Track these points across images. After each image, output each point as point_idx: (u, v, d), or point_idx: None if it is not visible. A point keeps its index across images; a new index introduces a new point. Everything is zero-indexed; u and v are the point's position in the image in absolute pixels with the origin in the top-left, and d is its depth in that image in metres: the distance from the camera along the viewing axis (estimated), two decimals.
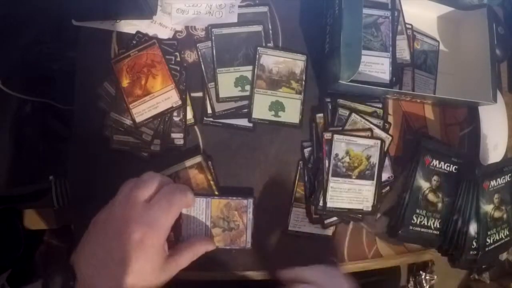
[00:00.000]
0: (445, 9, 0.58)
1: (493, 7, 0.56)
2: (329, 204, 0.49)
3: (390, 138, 0.53)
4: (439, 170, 0.53)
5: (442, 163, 0.53)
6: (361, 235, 0.54)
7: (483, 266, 1.22)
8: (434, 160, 0.53)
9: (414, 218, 0.52)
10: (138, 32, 0.50)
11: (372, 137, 0.51)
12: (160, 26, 0.51)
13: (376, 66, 0.51)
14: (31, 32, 0.64)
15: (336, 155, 0.50)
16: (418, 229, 0.52)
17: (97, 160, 0.49)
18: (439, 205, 0.53)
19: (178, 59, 0.50)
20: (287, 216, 0.51)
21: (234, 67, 0.51)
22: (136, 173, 0.41)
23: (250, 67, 0.51)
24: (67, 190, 0.70)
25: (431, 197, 0.53)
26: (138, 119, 0.49)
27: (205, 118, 0.51)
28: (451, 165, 0.54)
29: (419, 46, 0.57)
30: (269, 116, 0.51)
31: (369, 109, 0.53)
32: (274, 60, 0.51)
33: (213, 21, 0.51)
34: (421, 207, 0.52)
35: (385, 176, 0.53)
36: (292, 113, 0.52)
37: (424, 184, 0.53)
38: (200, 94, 0.51)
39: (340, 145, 0.50)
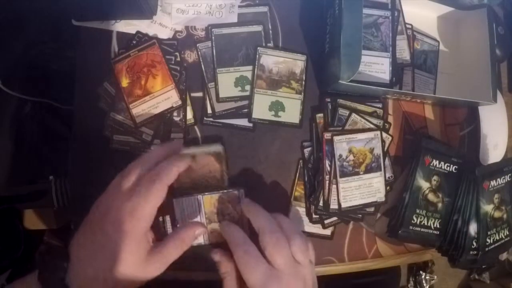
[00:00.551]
0: (445, 9, 0.58)
1: (493, 7, 0.56)
2: (343, 205, 0.50)
3: (390, 138, 0.53)
4: (439, 170, 0.53)
5: (442, 163, 0.53)
6: (361, 235, 0.54)
7: (483, 266, 1.22)
8: (434, 160, 0.53)
9: (414, 218, 0.52)
10: (138, 32, 0.50)
11: (371, 129, 0.51)
12: (160, 26, 0.51)
13: (376, 66, 0.51)
14: (31, 32, 0.64)
15: (340, 156, 0.50)
16: (418, 229, 0.52)
17: (97, 160, 0.49)
18: (439, 205, 0.53)
19: (178, 59, 0.50)
20: (286, 215, 0.51)
21: (234, 67, 0.51)
22: None
23: (250, 67, 0.51)
24: (67, 190, 0.70)
25: (431, 197, 0.53)
26: (138, 119, 0.49)
27: (205, 118, 0.51)
28: (451, 165, 0.54)
29: (419, 46, 0.57)
30: (269, 116, 0.51)
31: (369, 109, 0.53)
32: (274, 60, 0.51)
33: (213, 21, 0.51)
34: (421, 207, 0.52)
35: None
36: (292, 113, 0.52)
37: (424, 184, 0.53)
38: (200, 94, 0.51)
39: (342, 145, 0.50)
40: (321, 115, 0.52)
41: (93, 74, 0.50)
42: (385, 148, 0.52)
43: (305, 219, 0.52)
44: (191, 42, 0.52)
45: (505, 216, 0.55)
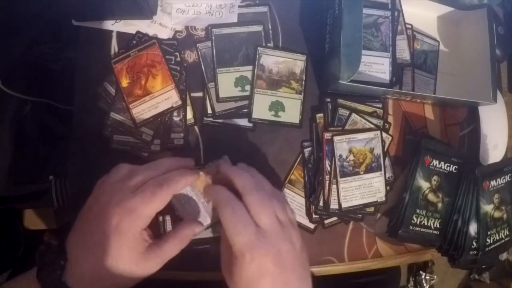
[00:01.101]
0: (445, 9, 0.58)
1: (493, 7, 0.56)
2: (343, 205, 0.50)
3: (390, 138, 0.53)
4: (439, 170, 0.53)
5: (442, 163, 0.53)
6: (361, 235, 0.54)
7: (483, 266, 1.22)
8: (434, 160, 0.53)
9: (414, 218, 0.52)
10: (138, 32, 0.50)
11: (371, 129, 0.51)
12: (160, 26, 0.51)
13: (376, 66, 0.51)
14: (31, 32, 0.64)
15: (340, 156, 0.50)
16: (418, 229, 0.52)
17: (97, 160, 0.49)
18: (439, 205, 0.53)
19: (178, 59, 0.50)
20: None
21: (234, 67, 0.51)
22: None
23: (250, 67, 0.51)
24: (67, 190, 0.70)
25: (431, 197, 0.53)
26: (138, 119, 0.49)
27: (205, 118, 0.51)
28: (451, 165, 0.54)
29: (419, 46, 0.57)
30: (269, 116, 0.51)
31: (369, 109, 0.53)
32: (274, 60, 0.51)
33: (213, 21, 0.51)
34: (421, 207, 0.52)
35: None
36: (292, 113, 0.52)
37: (424, 184, 0.53)
38: (200, 94, 0.51)
39: (342, 145, 0.50)
40: (321, 115, 0.52)
41: (93, 74, 0.50)
42: (385, 148, 0.52)
43: (293, 203, 0.52)
44: (191, 42, 0.52)
45: (505, 216, 0.55)
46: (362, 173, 0.50)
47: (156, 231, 0.42)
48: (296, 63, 0.52)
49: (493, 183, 0.54)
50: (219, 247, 0.43)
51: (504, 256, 1.19)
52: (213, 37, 0.51)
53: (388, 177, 0.53)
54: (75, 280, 0.36)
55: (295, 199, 0.52)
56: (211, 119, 0.51)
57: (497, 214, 0.54)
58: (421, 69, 0.57)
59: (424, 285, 1.28)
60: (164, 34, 0.51)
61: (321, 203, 0.50)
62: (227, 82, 0.51)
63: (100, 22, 0.51)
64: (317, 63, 0.53)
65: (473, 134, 0.59)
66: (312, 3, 0.54)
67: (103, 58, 0.50)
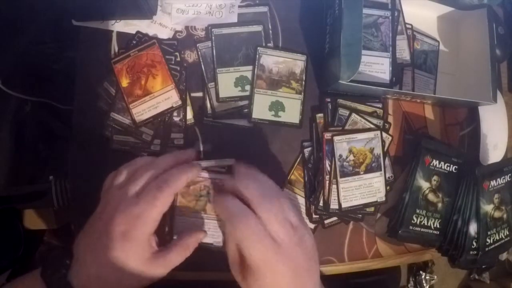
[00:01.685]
0: (445, 9, 0.58)
1: (493, 7, 0.56)
2: (343, 205, 0.50)
3: (390, 138, 0.53)
4: (439, 170, 0.53)
5: (442, 163, 0.53)
6: (361, 235, 0.54)
7: (483, 266, 1.21)
8: (434, 160, 0.53)
9: (414, 218, 0.52)
10: (138, 32, 0.50)
11: (371, 129, 0.51)
12: (160, 26, 0.51)
13: (376, 66, 0.51)
14: (31, 32, 0.64)
15: (340, 156, 0.50)
16: (418, 229, 0.52)
17: (97, 160, 0.49)
18: (439, 205, 0.53)
19: (178, 59, 0.50)
20: None
21: (234, 67, 0.51)
22: None
23: (250, 67, 0.51)
24: (67, 190, 0.70)
25: (431, 197, 0.53)
26: (138, 119, 0.49)
27: (205, 118, 0.51)
28: (451, 165, 0.54)
29: (419, 46, 0.57)
30: (269, 116, 0.51)
31: (369, 109, 0.53)
32: (274, 60, 0.51)
33: (213, 21, 0.51)
34: (421, 207, 0.52)
35: None
36: (292, 113, 0.52)
37: (424, 184, 0.53)
38: (200, 94, 0.51)
39: (342, 145, 0.50)
40: (321, 115, 0.52)
41: (93, 74, 0.50)
42: (385, 148, 0.52)
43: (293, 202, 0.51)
44: (191, 42, 0.52)
45: (505, 216, 0.55)
46: (362, 173, 0.50)
47: (161, 239, 0.42)
48: (296, 63, 0.52)
49: (493, 183, 0.54)
50: (221, 248, 0.43)
51: (504, 256, 1.20)
52: (213, 37, 0.51)
53: (388, 177, 0.53)
54: (81, 281, 0.36)
55: (295, 199, 0.52)
56: (211, 119, 0.51)
57: (497, 214, 0.54)
58: (421, 69, 0.57)
59: (424, 285, 1.28)
60: (164, 34, 0.51)
61: (321, 203, 0.50)
62: (227, 82, 0.51)
63: (100, 22, 0.51)
64: (317, 63, 0.53)
65: (473, 134, 0.59)
66: (312, 3, 0.54)
67: (103, 58, 0.50)
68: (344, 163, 0.50)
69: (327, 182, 0.50)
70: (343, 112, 0.51)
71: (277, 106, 0.51)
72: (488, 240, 0.53)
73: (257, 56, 0.51)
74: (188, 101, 0.50)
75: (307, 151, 0.52)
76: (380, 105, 0.53)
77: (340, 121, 0.51)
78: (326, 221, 0.52)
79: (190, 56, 0.52)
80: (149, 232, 0.38)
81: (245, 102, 0.51)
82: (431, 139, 0.56)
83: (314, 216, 0.51)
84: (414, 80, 0.56)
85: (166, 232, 0.47)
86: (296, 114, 0.52)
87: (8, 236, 0.80)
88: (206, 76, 0.51)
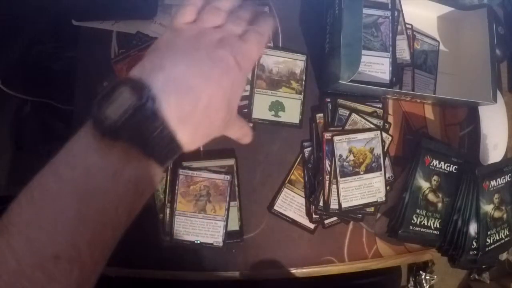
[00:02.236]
0: (445, 9, 0.58)
1: (493, 7, 0.56)
2: (343, 205, 0.50)
3: (390, 138, 0.53)
4: (439, 170, 0.53)
5: (442, 163, 0.53)
6: (361, 235, 0.54)
7: (483, 266, 1.22)
8: (434, 160, 0.53)
9: (414, 218, 0.52)
10: (138, 32, 0.50)
11: (371, 129, 0.51)
12: (160, 26, 0.51)
13: (376, 66, 0.51)
14: (31, 32, 0.64)
15: (340, 156, 0.50)
16: (418, 229, 0.52)
17: None
18: (439, 205, 0.53)
19: None
20: (276, 195, 0.52)
21: None
22: None
23: None
24: None
25: (431, 197, 0.53)
26: None
27: None
28: (451, 165, 0.54)
29: (419, 46, 0.57)
30: (269, 116, 0.51)
31: (369, 109, 0.53)
32: (274, 60, 0.51)
33: None
34: (421, 207, 0.52)
35: None
36: (292, 113, 0.52)
37: (424, 184, 0.53)
38: None
39: (342, 145, 0.50)
40: (321, 115, 0.52)
41: (93, 74, 0.50)
42: (385, 148, 0.52)
43: (293, 203, 0.52)
44: None
45: (505, 216, 0.55)
46: (362, 173, 0.50)
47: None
48: (296, 63, 0.52)
49: (493, 183, 0.54)
50: (216, 248, 0.42)
51: (504, 256, 1.19)
52: None
53: (388, 177, 0.53)
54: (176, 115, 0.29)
55: (295, 199, 0.52)
56: None
57: (497, 214, 0.54)
58: (421, 69, 0.57)
59: (424, 285, 1.28)
60: None
61: (321, 203, 0.50)
62: None
63: (100, 22, 0.51)
64: (317, 63, 0.53)
65: (473, 134, 0.59)
66: (312, 3, 0.54)
67: (103, 58, 0.50)
68: (344, 163, 0.50)
69: (327, 182, 0.50)
70: (343, 112, 0.51)
71: (277, 106, 0.51)
72: (488, 240, 0.53)
73: None
74: None
75: (307, 151, 0.52)
76: (380, 105, 0.53)
77: (340, 121, 0.51)
78: (326, 221, 0.52)
79: None
80: (248, 72, 0.35)
81: (245, 102, 0.51)
82: (431, 139, 0.56)
83: (314, 216, 0.51)
84: (414, 80, 0.56)
85: (166, 232, 0.47)
86: (296, 114, 0.52)
87: None
88: None
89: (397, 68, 0.52)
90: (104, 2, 0.48)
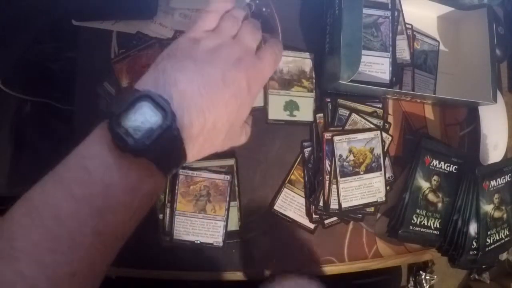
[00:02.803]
0: (445, 9, 0.58)
1: (493, 7, 0.56)
2: (343, 205, 0.50)
3: (390, 138, 0.53)
4: (439, 170, 0.53)
5: (442, 163, 0.53)
6: (361, 235, 0.54)
7: (483, 266, 1.21)
8: (434, 160, 0.53)
9: (414, 218, 0.52)
10: (138, 32, 0.50)
11: (371, 129, 0.51)
12: (160, 26, 0.51)
13: (376, 66, 0.51)
14: (31, 32, 0.64)
15: (340, 156, 0.50)
16: (418, 229, 0.52)
17: None
18: (439, 205, 0.53)
19: None
20: (276, 195, 0.51)
21: None
22: None
23: None
24: None
25: (431, 197, 0.53)
26: None
27: None
28: (451, 165, 0.54)
29: (419, 46, 0.57)
30: (284, 116, 0.51)
31: (369, 109, 0.53)
32: (283, 60, 0.51)
33: None
34: (421, 207, 0.52)
35: None
36: (306, 111, 0.52)
37: (424, 184, 0.53)
38: None
39: (342, 145, 0.50)
40: (321, 115, 0.52)
41: (93, 74, 0.50)
42: (385, 148, 0.52)
43: (293, 203, 0.52)
44: None
45: (505, 216, 0.55)
46: (362, 173, 0.50)
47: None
48: (305, 61, 0.52)
49: (493, 183, 0.54)
50: (216, 248, 0.42)
51: (504, 256, 1.19)
52: None
53: (388, 177, 0.53)
54: (190, 132, 0.29)
55: (295, 199, 0.52)
56: None
57: (497, 214, 0.54)
58: (421, 69, 0.57)
59: (424, 285, 1.27)
60: (164, 34, 0.51)
61: (321, 203, 0.50)
62: None
63: (100, 22, 0.51)
64: (318, 63, 0.53)
65: (473, 134, 0.59)
66: (312, 3, 0.54)
67: (103, 58, 0.50)
68: (344, 163, 0.50)
69: (327, 182, 0.50)
70: (343, 112, 0.51)
71: (291, 106, 0.51)
72: (488, 240, 0.53)
73: None
74: None
75: (307, 151, 0.52)
76: (380, 105, 0.53)
77: (340, 121, 0.51)
78: (326, 221, 0.52)
79: None
80: (258, 93, 0.36)
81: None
82: (431, 139, 0.56)
83: (314, 216, 0.51)
84: (414, 80, 0.56)
85: (166, 232, 0.47)
86: (310, 112, 0.52)
87: None
88: None
89: (397, 68, 0.52)
90: (104, 2, 0.48)
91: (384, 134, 0.52)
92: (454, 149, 0.58)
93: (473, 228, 0.52)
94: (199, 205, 0.47)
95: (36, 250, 0.24)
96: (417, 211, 0.52)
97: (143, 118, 0.26)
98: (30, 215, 0.26)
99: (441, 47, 0.59)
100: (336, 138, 0.50)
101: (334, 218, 0.52)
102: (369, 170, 0.51)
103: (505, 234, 0.55)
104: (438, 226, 0.53)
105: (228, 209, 0.48)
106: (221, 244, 0.47)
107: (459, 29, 0.60)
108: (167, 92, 0.28)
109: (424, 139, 0.54)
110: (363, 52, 0.47)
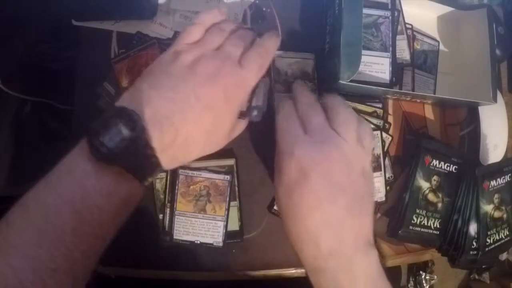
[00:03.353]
0: (445, 9, 0.58)
1: (493, 7, 0.56)
2: None
3: (390, 138, 0.53)
4: (439, 170, 0.53)
5: (442, 163, 0.53)
6: None
7: (483, 266, 1.22)
8: (434, 160, 0.53)
9: (414, 218, 0.52)
10: (138, 32, 0.50)
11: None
12: (160, 26, 0.51)
13: (376, 66, 0.51)
14: (31, 32, 0.64)
15: None
16: (418, 229, 0.52)
17: None
18: (439, 205, 0.53)
19: None
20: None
21: None
22: None
23: None
24: None
25: (431, 197, 0.53)
26: None
27: None
28: (451, 165, 0.54)
29: (419, 46, 0.57)
30: None
31: (369, 109, 0.53)
32: (286, 62, 0.51)
33: None
34: (421, 207, 0.52)
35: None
36: None
37: (424, 184, 0.53)
38: None
39: None
40: None
41: (93, 74, 0.50)
42: (385, 148, 0.52)
43: None
44: None
45: (505, 216, 0.55)
46: None
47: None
48: (307, 62, 0.52)
49: (493, 183, 0.54)
50: (216, 249, 0.43)
51: (504, 256, 1.19)
52: None
53: (388, 177, 0.53)
54: (163, 146, 0.32)
55: None
56: None
57: (497, 214, 0.54)
58: (421, 69, 0.57)
59: (424, 285, 1.27)
60: (164, 34, 0.51)
61: None
62: None
63: (100, 22, 0.51)
64: (317, 63, 0.53)
65: (473, 134, 0.59)
66: (312, 3, 0.54)
67: (103, 58, 0.50)
68: None
69: None
70: None
71: None
72: (488, 240, 0.53)
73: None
74: None
75: None
76: (380, 105, 0.53)
77: None
78: None
79: None
80: (245, 99, 0.37)
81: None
82: (431, 139, 0.56)
83: None
84: (414, 80, 0.56)
85: (166, 232, 0.47)
86: None
87: None
88: None
89: (397, 68, 0.52)
90: (104, 2, 0.48)
91: (384, 134, 0.52)
92: (454, 149, 0.58)
93: (473, 228, 0.52)
94: (199, 205, 0.47)
95: (25, 245, 0.28)
96: (417, 211, 0.52)
97: (116, 131, 0.29)
98: (23, 215, 0.30)
99: (441, 47, 0.59)
100: None
101: None
102: None
103: (505, 234, 0.55)
104: (438, 226, 0.53)
105: (228, 209, 0.48)
106: (221, 245, 0.47)
107: (459, 29, 0.60)
108: (140, 108, 0.31)
109: (424, 139, 0.54)
110: (363, 52, 0.47)
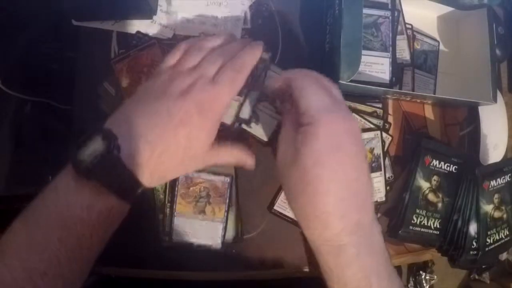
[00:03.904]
0: (445, 9, 0.58)
1: (493, 7, 0.56)
2: None
3: (390, 138, 0.53)
4: (439, 170, 0.53)
5: (442, 163, 0.53)
6: None
7: (483, 266, 1.22)
8: (434, 160, 0.53)
9: (414, 218, 0.52)
10: (138, 32, 0.50)
11: (371, 129, 0.51)
12: (160, 26, 0.51)
13: (376, 66, 0.51)
14: (31, 32, 0.64)
15: None
16: (418, 229, 0.52)
17: None
18: (439, 205, 0.53)
19: None
20: (276, 195, 0.51)
21: None
22: None
23: None
24: None
25: (431, 197, 0.53)
26: None
27: None
28: (451, 165, 0.54)
29: (419, 46, 0.57)
30: None
31: (369, 109, 0.53)
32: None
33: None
34: (421, 207, 0.52)
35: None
36: None
37: (424, 184, 0.53)
38: None
39: None
40: None
41: (93, 74, 0.50)
42: (385, 148, 0.52)
43: None
44: None
45: (505, 216, 0.55)
46: None
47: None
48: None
49: (493, 183, 0.54)
50: (215, 248, 0.43)
51: (504, 256, 1.19)
52: None
53: (388, 177, 0.53)
54: (138, 162, 0.34)
55: None
56: None
57: (497, 214, 0.54)
58: (421, 69, 0.57)
59: (424, 285, 1.28)
60: (164, 34, 0.51)
61: None
62: None
63: (100, 22, 0.51)
64: (317, 63, 0.53)
65: (473, 134, 0.59)
66: (312, 3, 0.54)
67: (103, 58, 0.50)
68: None
69: None
70: None
71: None
72: (488, 240, 0.53)
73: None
74: None
75: None
76: (380, 105, 0.53)
77: None
78: None
79: None
80: (221, 116, 0.37)
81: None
82: (431, 139, 0.56)
83: None
84: (414, 80, 0.56)
85: (165, 232, 0.47)
86: None
87: None
88: None
89: (397, 68, 0.52)
90: (104, 2, 0.48)
91: (384, 134, 0.52)
92: (454, 149, 0.58)
93: (473, 228, 0.52)
94: (199, 206, 0.47)
95: (19, 247, 0.31)
96: (417, 211, 0.52)
97: (94, 148, 0.32)
98: (20, 222, 0.33)
99: (441, 47, 0.59)
100: None
101: None
102: (369, 170, 0.50)
103: (505, 234, 0.55)
104: (438, 226, 0.53)
105: (227, 211, 0.48)
106: (219, 246, 0.47)
107: (459, 29, 0.60)
108: (118, 128, 0.34)
109: (424, 139, 0.54)
110: (363, 52, 0.47)
